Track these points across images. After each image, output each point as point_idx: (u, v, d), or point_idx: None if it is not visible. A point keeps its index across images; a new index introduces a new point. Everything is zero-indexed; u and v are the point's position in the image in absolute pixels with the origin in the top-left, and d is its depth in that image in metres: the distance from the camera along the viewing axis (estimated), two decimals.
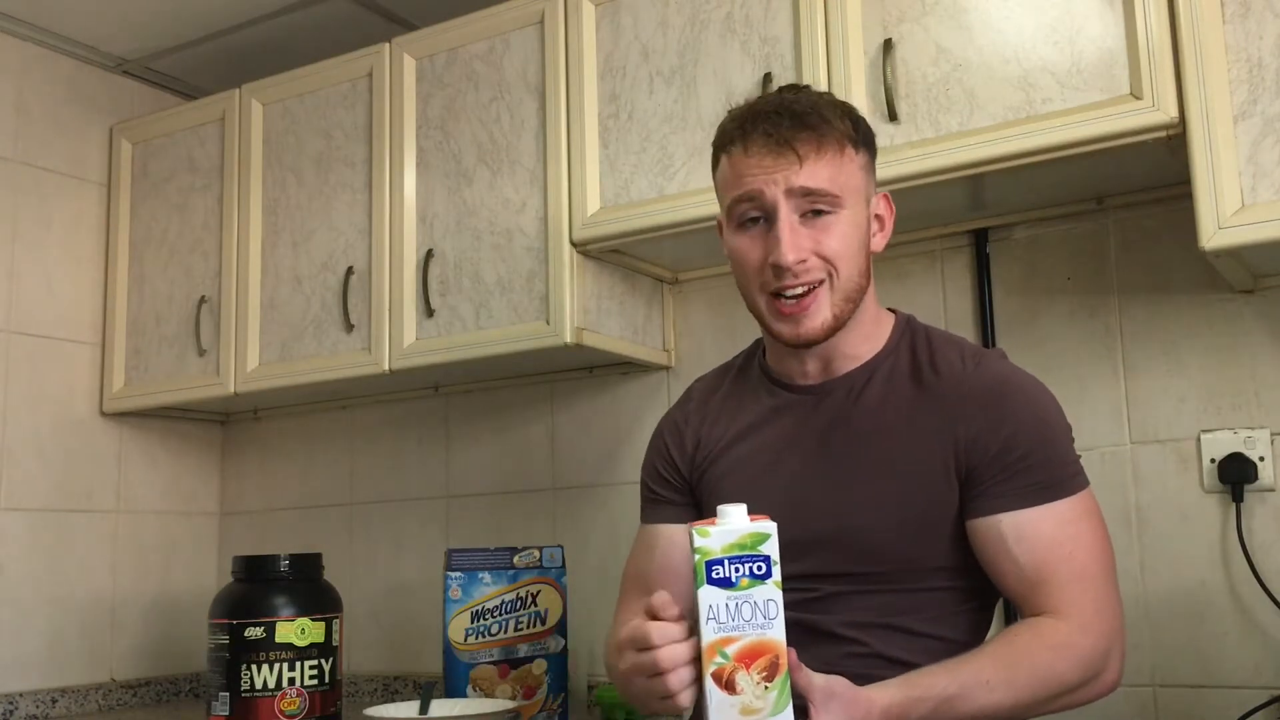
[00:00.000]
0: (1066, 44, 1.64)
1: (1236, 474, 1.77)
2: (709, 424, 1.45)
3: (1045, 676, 1.20)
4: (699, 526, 1.06)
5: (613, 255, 2.13)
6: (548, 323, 2.07)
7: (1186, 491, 1.82)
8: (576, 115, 2.07)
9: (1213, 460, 1.79)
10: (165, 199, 2.67)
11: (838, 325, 1.31)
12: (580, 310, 2.07)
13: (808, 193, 1.27)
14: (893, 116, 1.75)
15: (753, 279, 1.32)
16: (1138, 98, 1.58)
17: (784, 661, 1.04)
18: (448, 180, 2.23)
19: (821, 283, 1.28)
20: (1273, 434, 1.77)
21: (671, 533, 1.43)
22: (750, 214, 1.30)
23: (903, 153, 1.74)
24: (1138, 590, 1.83)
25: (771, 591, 1.05)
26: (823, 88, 1.80)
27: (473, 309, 2.17)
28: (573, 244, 2.06)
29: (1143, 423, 1.86)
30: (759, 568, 1.05)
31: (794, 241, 1.26)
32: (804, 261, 1.27)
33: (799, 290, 1.28)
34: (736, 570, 1.05)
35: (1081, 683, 1.22)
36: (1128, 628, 1.81)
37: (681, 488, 1.46)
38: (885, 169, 1.73)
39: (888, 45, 1.76)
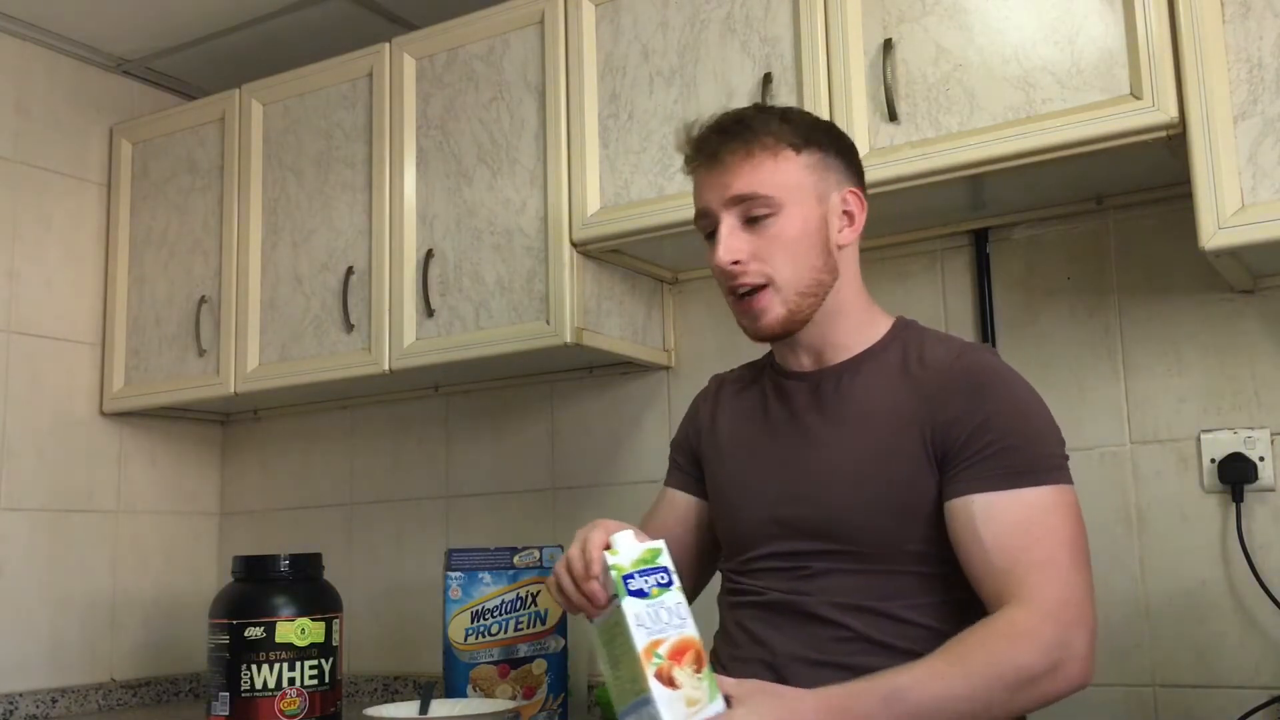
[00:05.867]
0: (1066, 44, 1.64)
1: (1236, 474, 1.77)
2: (720, 407, 1.54)
3: (1000, 662, 1.18)
4: (607, 550, 1.21)
5: (613, 255, 2.13)
6: (548, 323, 2.07)
7: (1186, 491, 1.82)
8: (576, 115, 2.07)
9: (1213, 460, 1.79)
10: (165, 199, 2.67)
11: (795, 319, 1.37)
12: (580, 310, 2.07)
13: (740, 199, 1.35)
14: (893, 116, 1.75)
15: (720, 285, 1.41)
16: (1138, 98, 1.58)
17: (705, 655, 1.16)
18: (448, 180, 2.24)
19: (764, 286, 1.35)
20: (1273, 434, 1.77)
21: (673, 495, 1.57)
22: (708, 229, 1.40)
23: (903, 153, 1.74)
24: (1138, 590, 1.83)
25: (678, 596, 1.19)
26: (823, 88, 1.81)
27: (473, 309, 2.17)
28: (573, 244, 2.06)
29: (1143, 423, 1.87)
30: (662, 578, 1.19)
31: (727, 244, 1.35)
32: (738, 263, 1.35)
33: (745, 290, 1.36)
34: (646, 581, 1.19)
35: (1043, 671, 1.18)
36: (1127, 628, 1.82)
37: (691, 459, 1.57)
38: (885, 169, 1.74)
39: (888, 45, 1.76)
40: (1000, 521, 1.25)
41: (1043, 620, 1.20)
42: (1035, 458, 1.27)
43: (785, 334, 1.39)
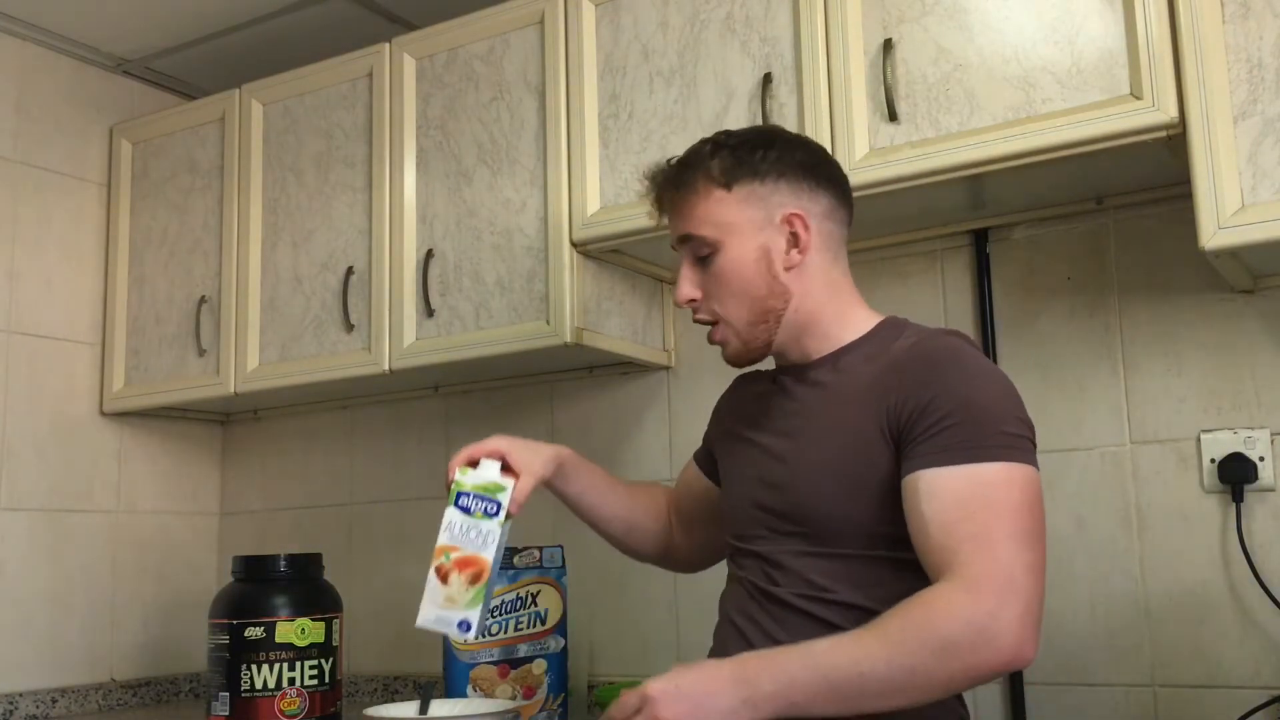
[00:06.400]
0: (1066, 44, 1.64)
1: (1236, 474, 1.77)
2: (733, 402, 1.62)
3: (917, 630, 1.18)
4: (462, 467, 1.44)
5: (613, 255, 2.13)
6: (548, 323, 2.07)
7: (1186, 491, 1.82)
8: (576, 115, 2.07)
9: (1213, 460, 1.79)
10: (165, 199, 2.67)
11: (752, 347, 1.44)
12: (580, 310, 2.07)
13: (685, 240, 1.44)
14: (893, 116, 1.75)
15: None
16: (1138, 98, 1.58)
17: (487, 575, 1.38)
18: (448, 180, 2.23)
19: (716, 322, 1.44)
20: (1273, 434, 1.77)
21: (691, 464, 1.70)
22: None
23: (903, 153, 1.74)
24: (1138, 590, 1.83)
25: (494, 527, 1.40)
26: (823, 88, 1.81)
27: (473, 309, 2.17)
28: (573, 244, 2.06)
29: (1143, 423, 1.86)
30: (491, 509, 1.41)
31: (681, 285, 1.45)
32: (693, 300, 1.44)
33: (704, 323, 1.46)
34: (476, 503, 1.41)
35: (963, 642, 1.17)
36: (1127, 628, 1.83)
37: (708, 446, 1.67)
38: (885, 169, 1.74)
39: (888, 45, 1.76)
40: (941, 496, 1.25)
41: (964, 592, 1.19)
42: (984, 435, 1.26)
43: (751, 360, 1.46)
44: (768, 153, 1.43)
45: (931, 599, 1.21)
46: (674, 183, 1.45)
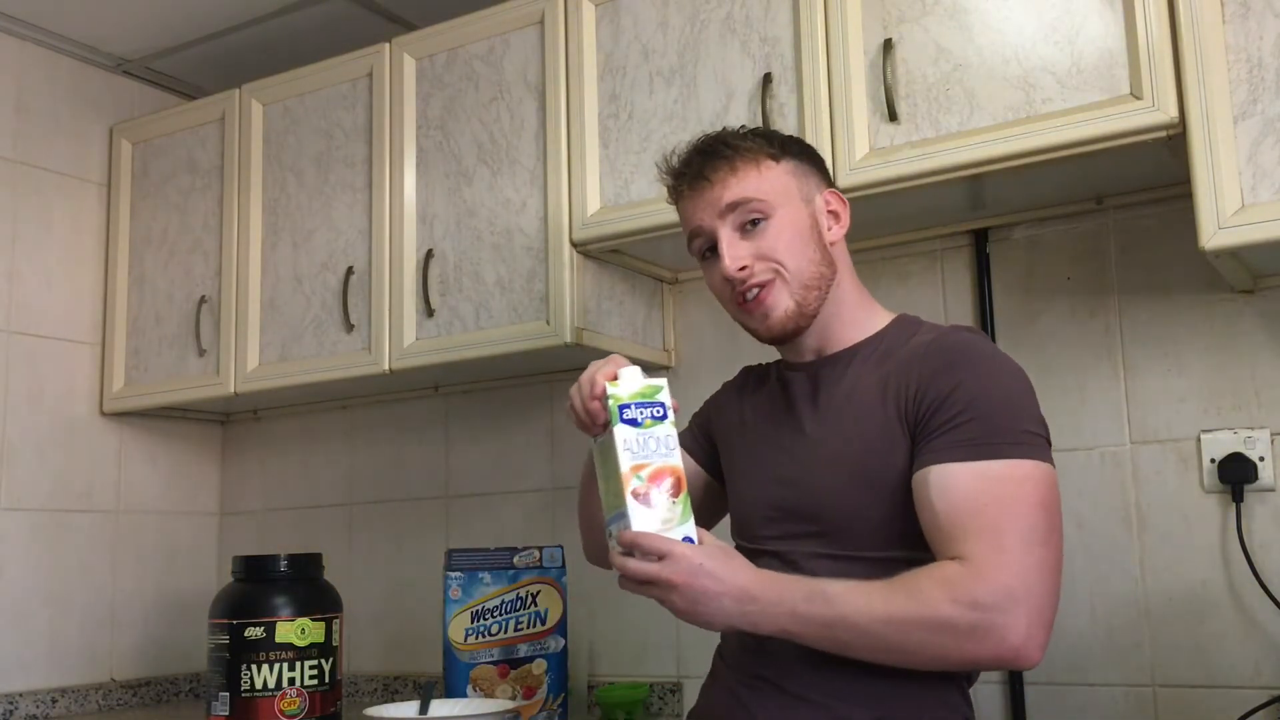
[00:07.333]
0: (1066, 44, 1.64)
1: (1236, 474, 1.77)
2: (740, 395, 1.60)
3: (921, 603, 1.20)
4: (610, 380, 1.33)
5: (613, 255, 2.13)
6: (548, 323, 2.07)
7: (1186, 491, 1.82)
8: (576, 115, 2.07)
9: (1213, 460, 1.79)
10: (165, 199, 2.67)
11: (805, 312, 1.42)
12: (580, 310, 2.07)
13: (734, 206, 1.42)
14: (893, 116, 1.75)
15: (724, 299, 1.47)
16: (1138, 98, 1.58)
17: (684, 482, 1.29)
18: (448, 180, 2.23)
19: (772, 280, 1.41)
20: (1273, 434, 1.77)
21: None
22: (704, 247, 1.46)
23: (903, 153, 1.74)
24: (1138, 590, 1.83)
25: (669, 429, 1.31)
26: (823, 88, 1.81)
27: (473, 309, 2.17)
28: (573, 244, 2.06)
29: (1143, 423, 1.86)
30: (658, 412, 1.32)
31: (732, 253, 1.41)
32: (745, 268, 1.41)
33: (754, 291, 1.41)
34: (641, 413, 1.31)
35: (965, 629, 1.19)
36: (1127, 628, 1.83)
37: (702, 430, 1.65)
38: (885, 169, 1.74)
39: (888, 45, 1.76)
40: (952, 491, 1.26)
41: (973, 579, 1.20)
42: (999, 431, 1.27)
43: (796, 329, 1.43)
44: (797, 140, 1.50)
45: (944, 576, 1.22)
46: (721, 153, 1.44)
